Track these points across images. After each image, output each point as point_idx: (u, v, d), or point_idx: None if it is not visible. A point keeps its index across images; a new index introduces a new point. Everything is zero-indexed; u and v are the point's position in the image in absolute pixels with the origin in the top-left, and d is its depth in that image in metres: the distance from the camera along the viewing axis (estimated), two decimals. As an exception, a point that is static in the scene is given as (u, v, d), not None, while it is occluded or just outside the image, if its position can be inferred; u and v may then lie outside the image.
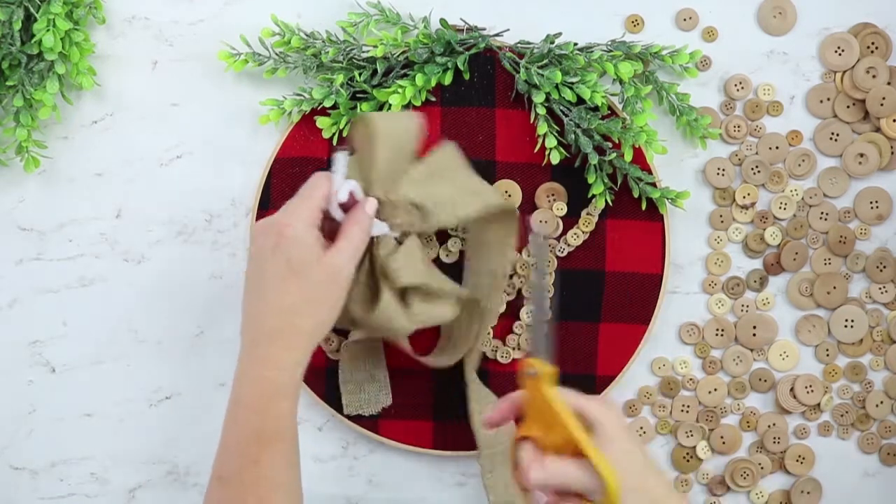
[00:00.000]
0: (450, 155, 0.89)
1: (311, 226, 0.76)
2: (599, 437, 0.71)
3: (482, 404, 0.93)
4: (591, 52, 0.92)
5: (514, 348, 0.96)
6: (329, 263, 0.76)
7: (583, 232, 0.95)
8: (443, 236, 0.94)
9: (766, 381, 0.99)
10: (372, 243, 0.83)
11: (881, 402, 1.00)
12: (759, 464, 1.00)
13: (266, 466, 0.73)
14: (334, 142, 0.93)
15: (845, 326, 0.99)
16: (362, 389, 0.95)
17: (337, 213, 0.80)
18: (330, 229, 0.79)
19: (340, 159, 0.81)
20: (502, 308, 0.95)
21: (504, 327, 0.96)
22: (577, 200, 0.95)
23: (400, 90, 0.90)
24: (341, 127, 0.92)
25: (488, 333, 0.95)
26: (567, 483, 0.70)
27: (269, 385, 0.75)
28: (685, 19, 0.95)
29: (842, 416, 1.00)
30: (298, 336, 0.75)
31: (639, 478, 0.71)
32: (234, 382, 0.77)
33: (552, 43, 0.92)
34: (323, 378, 0.96)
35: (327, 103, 0.92)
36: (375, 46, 0.91)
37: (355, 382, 0.94)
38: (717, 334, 0.98)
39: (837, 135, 0.97)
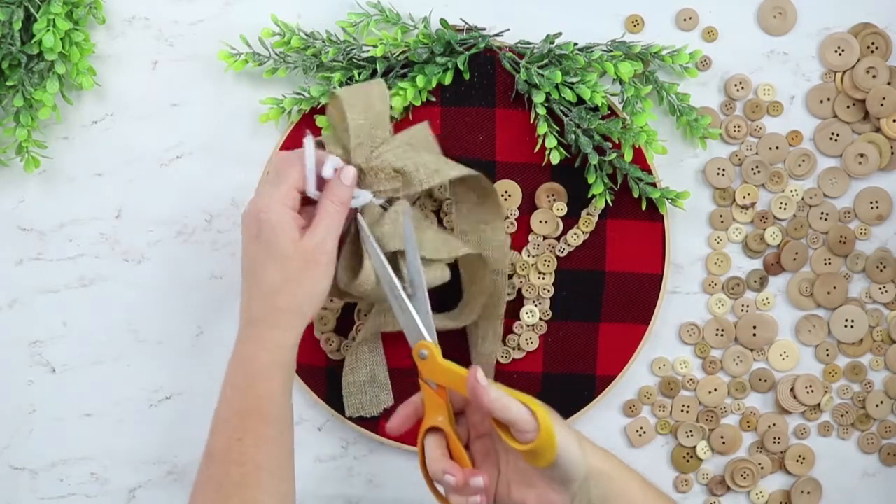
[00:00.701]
0: (424, 132, 0.88)
1: (285, 208, 0.78)
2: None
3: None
4: (591, 52, 0.92)
5: (514, 348, 0.96)
6: (304, 244, 0.77)
7: (583, 232, 0.95)
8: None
9: (766, 381, 0.99)
10: (356, 213, 0.83)
11: (881, 403, 1.00)
12: (759, 464, 1.00)
13: (250, 445, 0.75)
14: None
15: (845, 326, 0.99)
16: (363, 390, 0.95)
17: (313, 194, 0.80)
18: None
19: (308, 144, 0.81)
20: (509, 297, 0.95)
21: (504, 326, 0.95)
22: (577, 200, 0.95)
23: (401, 91, 0.90)
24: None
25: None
26: (509, 408, 0.74)
27: (253, 365, 0.77)
28: (685, 19, 0.95)
29: (842, 416, 1.00)
30: (279, 316, 0.77)
31: (564, 422, 0.76)
32: (227, 364, 0.79)
33: (552, 43, 0.92)
34: (323, 378, 0.96)
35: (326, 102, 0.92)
36: (375, 46, 0.91)
37: (357, 384, 0.94)
38: (717, 334, 0.98)
39: (837, 135, 0.97)
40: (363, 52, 0.92)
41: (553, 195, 0.95)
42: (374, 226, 0.83)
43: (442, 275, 0.86)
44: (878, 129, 0.97)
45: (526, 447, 0.74)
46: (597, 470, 0.76)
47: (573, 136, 0.91)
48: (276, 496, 0.75)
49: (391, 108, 0.89)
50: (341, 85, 0.91)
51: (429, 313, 0.81)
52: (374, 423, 0.96)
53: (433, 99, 0.93)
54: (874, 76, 0.96)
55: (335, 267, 0.79)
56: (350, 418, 0.96)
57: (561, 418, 0.77)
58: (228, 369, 0.78)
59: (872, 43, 0.96)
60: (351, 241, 0.84)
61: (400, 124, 0.93)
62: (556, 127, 0.92)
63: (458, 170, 0.86)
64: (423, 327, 0.80)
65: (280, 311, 0.77)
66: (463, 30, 0.93)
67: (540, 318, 0.96)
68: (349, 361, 0.94)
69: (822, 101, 0.97)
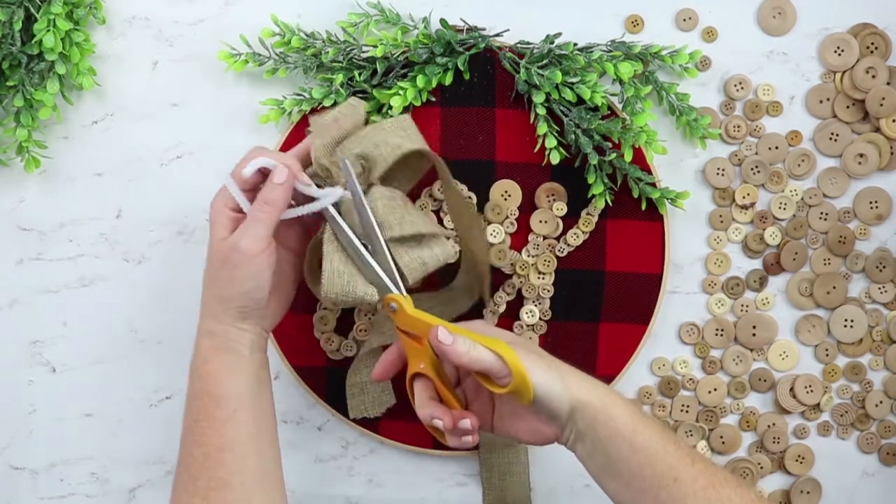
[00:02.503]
0: (402, 123, 0.86)
1: (222, 207, 0.80)
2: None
3: None
4: (591, 52, 0.93)
5: (514, 348, 0.96)
6: (221, 244, 0.79)
7: (583, 232, 0.95)
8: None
9: (765, 381, 0.99)
10: (328, 212, 0.80)
11: (881, 402, 1.00)
12: (759, 464, 1.00)
13: (205, 427, 0.77)
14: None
15: (845, 326, 0.99)
16: (365, 391, 0.94)
17: (244, 205, 0.79)
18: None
19: (228, 181, 0.80)
20: (509, 297, 0.95)
21: (504, 326, 0.96)
22: (577, 200, 0.95)
23: (401, 92, 0.91)
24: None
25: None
26: (480, 359, 0.75)
27: (196, 350, 0.80)
28: (685, 19, 0.95)
29: (841, 415, 1.00)
30: (205, 307, 0.80)
31: (544, 358, 0.78)
32: None
33: (552, 43, 0.92)
34: (323, 378, 0.96)
35: (327, 103, 0.92)
36: (375, 46, 0.91)
37: (359, 385, 0.94)
38: (716, 334, 0.98)
39: (837, 135, 0.97)
40: (363, 52, 0.93)
41: (553, 195, 0.95)
42: (348, 216, 0.81)
43: (445, 251, 0.83)
44: (877, 130, 0.97)
45: (504, 390, 0.76)
46: (582, 402, 0.77)
47: (573, 136, 0.91)
48: (243, 475, 0.76)
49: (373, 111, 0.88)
50: (342, 86, 0.91)
51: (391, 265, 0.80)
52: (373, 423, 0.97)
53: (433, 99, 0.93)
54: (874, 76, 0.96)
55: (262, 267, 0.78)
56: (352, 418, 0.96)
57: (541, 353, 0.79)
58: None
59: (872, 43, 0.96)
60: (312, 249, 0.84)
61: None
62: (556, 127, 0.92)
63: (420, 143, 0.83)
64: (387, 280, 0.80)
65: (204, 302, 0.80)
66: (463, 30, 0.93)
67: (540, 318, 0.96)
68: (353, 365, 0.94)
69: (821, 102, 0.97)
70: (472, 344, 0.76)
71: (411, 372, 0.80)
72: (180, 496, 0.77)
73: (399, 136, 0.83)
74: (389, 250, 0.80)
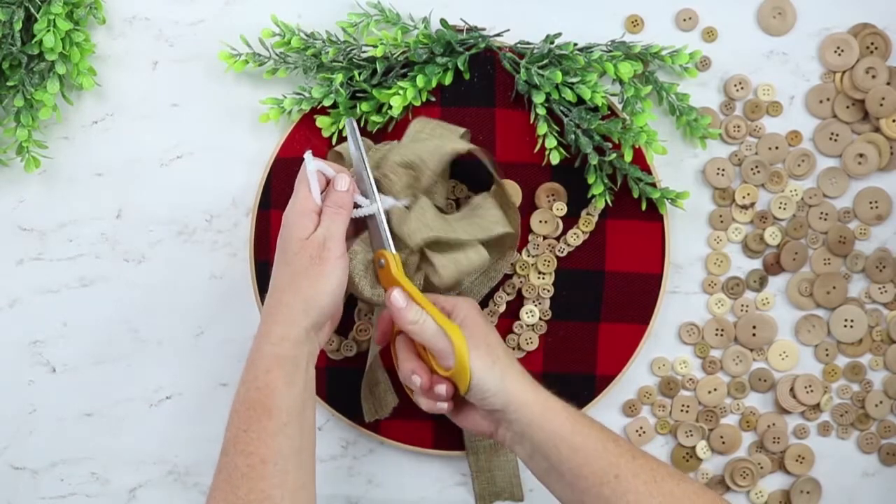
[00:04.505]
0: (422, 123, 0.90)
1: (302, 212, 0.80)
2: (455, 316, 0.81)
3: None
4: (591, 52, 0.93)
5: (513, 348, 0.96)
6: (308, 242, 0.79)
7: (583, 232, 0.95)
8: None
9: (765, 380, 0.99)
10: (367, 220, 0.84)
11: (880, 402, 1.00)
12: (759, 463, 1.00)
13: (254, 437, 0.76)
14: (333, 141, 0.93)
15: (845, 326, 0.99)
16: (373, 393, 0.95)
17: (318, 202, 0.82)
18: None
19: (308, 158, 0.83)
20: (509, 297, 0.95)
21: (504, 326, 0.96)
22: (577, 200, 0.95)
23: (401, 91, 0.91)
24: (340, 127, 0.93)
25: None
26: (424, 333, 0.79)
27: (257, 357, 0.78)
28: (685, 19, 0.95)
29: (841, 415, 1.00)
30: (283, 310, 0.79)
31: (493, 354, 0.80)
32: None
33: (552, 43, 0.92)
34: (323, 378, 0.96)
35: (326, 102, 0.92)
36: (375, 46, 0.91)
37: (368, 387, 0.94)
38: (716, 334, 0.98)
39: (837, 135, 0.97)
40: (363, 52, 0.93)
41: (553, 195, 0.95)
42: (399, 226, 0.84)
43: (481, 255, 0.87)
44: (877, 130, 0.97)
45: (446, 374, 0.78)
46: (517, 402, 0.79)
47: (573, 136, 0.91)
48: (283, 488, 0.76)
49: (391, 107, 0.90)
50: (342, 86, 0.91)
51: (385, 226, 0.83)
52: (374, 423, 0.97)
53: (433, 99, 0.93)
54: (873, 76, 0.96)
55: (343, 270, 0.80)
56: (350, 418, 0.96)
57: (494, 347, 0.80)
58: (244, 365, 0.80)
59: (872, 43, 0.96)
60: (367, 252, 0.86)
61: (400, 124, 0.93)
62: (556, 127, 0.92)
63: (459, 144, 0.87)
64: (384, 237, 0.83)
65: (283, 305, 0.79)
66: (463, 30, 0.93)
67: (540, 318, 0.96)
68: (367, 369, 0.94)
69: (821, 102, 0.97)
70: (424, 317, 0.78)
71: (397, 330, 0.83)
72: None
73: (435, 139, 0.88)
74: (387, 215, 0.83)
